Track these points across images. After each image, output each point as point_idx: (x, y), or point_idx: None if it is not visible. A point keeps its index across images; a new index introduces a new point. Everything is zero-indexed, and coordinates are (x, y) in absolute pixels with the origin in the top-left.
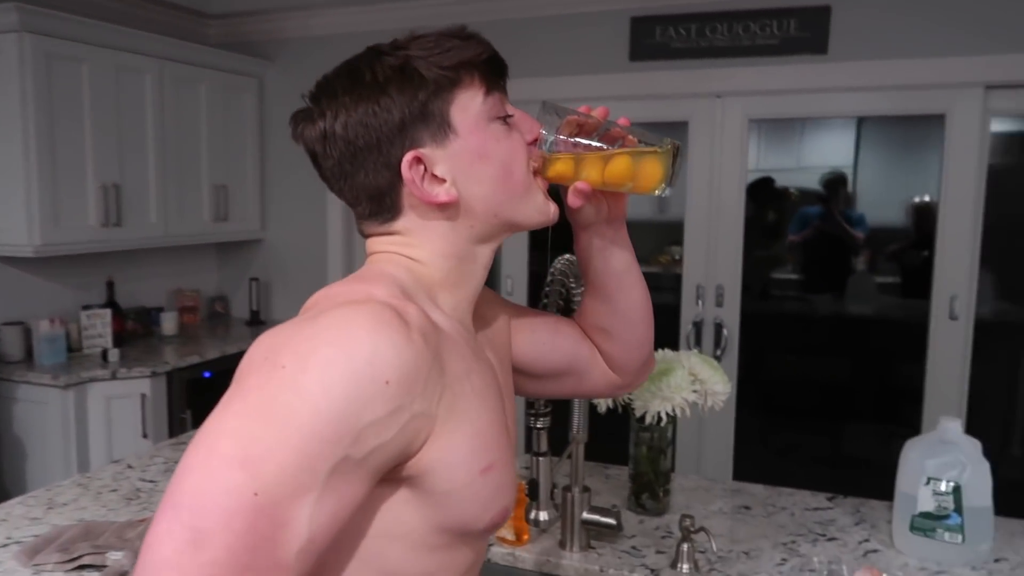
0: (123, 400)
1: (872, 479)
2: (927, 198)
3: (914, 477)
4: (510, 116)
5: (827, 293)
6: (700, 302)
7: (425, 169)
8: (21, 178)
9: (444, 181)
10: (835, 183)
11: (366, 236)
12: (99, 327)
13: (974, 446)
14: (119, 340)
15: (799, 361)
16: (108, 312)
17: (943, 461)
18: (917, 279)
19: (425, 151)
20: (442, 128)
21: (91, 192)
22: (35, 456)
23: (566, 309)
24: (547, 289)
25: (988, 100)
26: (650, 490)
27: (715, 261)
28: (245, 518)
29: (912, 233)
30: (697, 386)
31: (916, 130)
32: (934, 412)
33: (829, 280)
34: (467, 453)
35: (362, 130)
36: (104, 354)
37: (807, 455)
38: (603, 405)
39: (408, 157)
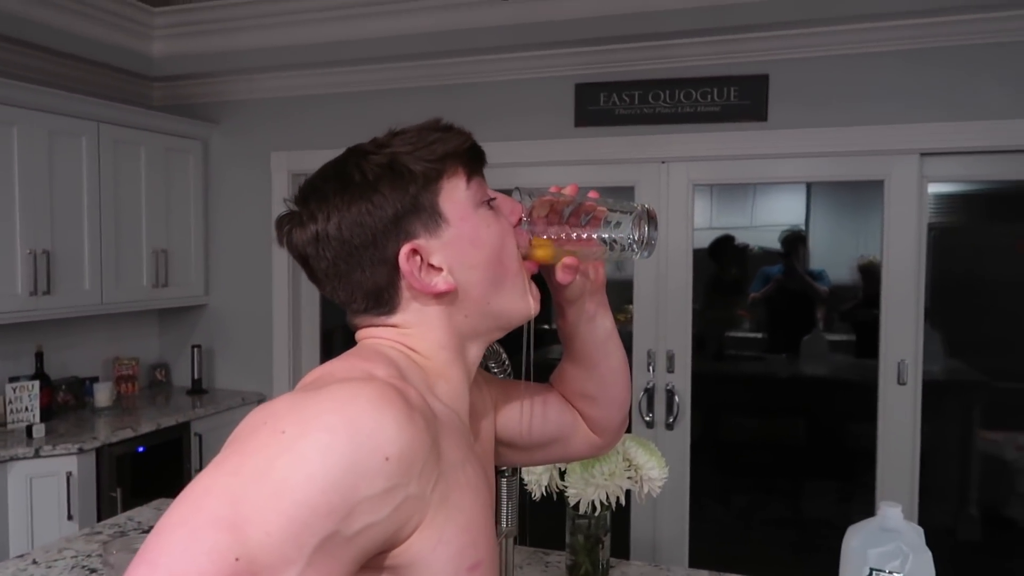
0: (47, 479)
1: (833, 539)
2: (872, 257)
3: (856, 567)
4: (493, 199)
5: (785, 352)
6: (651, 368)
7: (422, 259)
8: None
9: (441, 270)
10: (794, 240)
11: (357, 328)
12: (26, 400)
13: (916, 533)
14: (49, 414)
15: (755, 422)
16: (36, 384)
17: (885, 550)
18: (868, 338)
19: (420, 242)
20: (433, 218)
21: (18, 260)
22: None
23: None
24: None
25: (924, 167)
26: None
27: (665, 326)
28: None
29: (861, 292)
30: (632, 472)
31: (864, 192)
32: (887, 474)
33: (790, 337)
34: (456, 548)
35: (357, 229)
36: (29, 430)
37: (766, 517)
38: (537, 492)
39: (405, 249)
